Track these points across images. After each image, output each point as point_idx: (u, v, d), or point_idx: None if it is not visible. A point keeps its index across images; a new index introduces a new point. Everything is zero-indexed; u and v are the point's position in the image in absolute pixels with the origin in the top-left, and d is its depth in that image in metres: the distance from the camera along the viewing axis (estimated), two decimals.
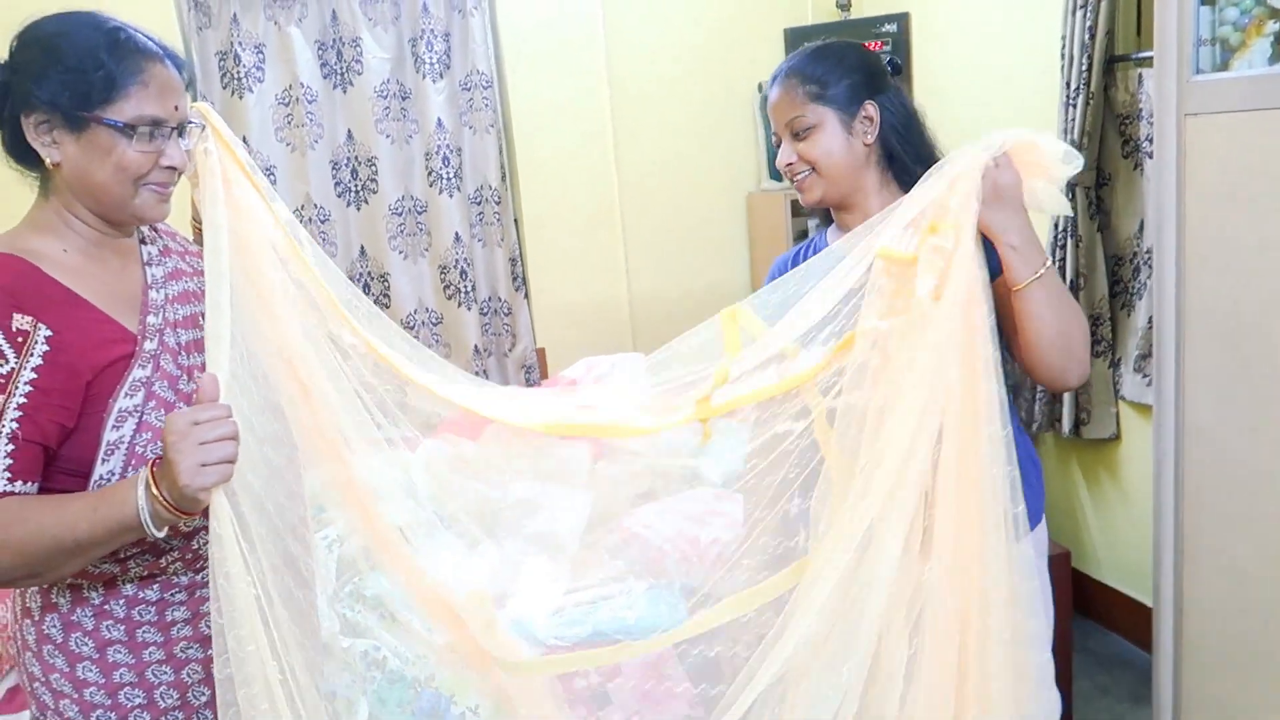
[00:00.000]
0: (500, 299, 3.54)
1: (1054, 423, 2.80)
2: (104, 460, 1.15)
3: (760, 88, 3.62)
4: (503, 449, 2.37)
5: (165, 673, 1.24)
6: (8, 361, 1.08)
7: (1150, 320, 2.55)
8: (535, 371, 3.57)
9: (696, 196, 3.68)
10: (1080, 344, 1.29)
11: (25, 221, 1.20)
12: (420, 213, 3.47)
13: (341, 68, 3.32)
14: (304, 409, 1.32)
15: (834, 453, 1.28)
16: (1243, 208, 1.65)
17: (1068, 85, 2.54)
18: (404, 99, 3.38)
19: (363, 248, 3.45)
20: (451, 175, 3.42)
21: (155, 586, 1.23)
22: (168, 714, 1.25)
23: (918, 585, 1.21)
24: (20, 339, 1.08)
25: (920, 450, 1.19)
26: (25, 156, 1.16)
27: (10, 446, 1.08)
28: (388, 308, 3.42)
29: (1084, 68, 2.48)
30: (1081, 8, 2.46)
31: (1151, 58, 2.36)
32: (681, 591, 2.02)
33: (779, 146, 1.50)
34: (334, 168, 3.37)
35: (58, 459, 1.14)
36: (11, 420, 1.08)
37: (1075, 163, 1.21)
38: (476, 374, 3.22)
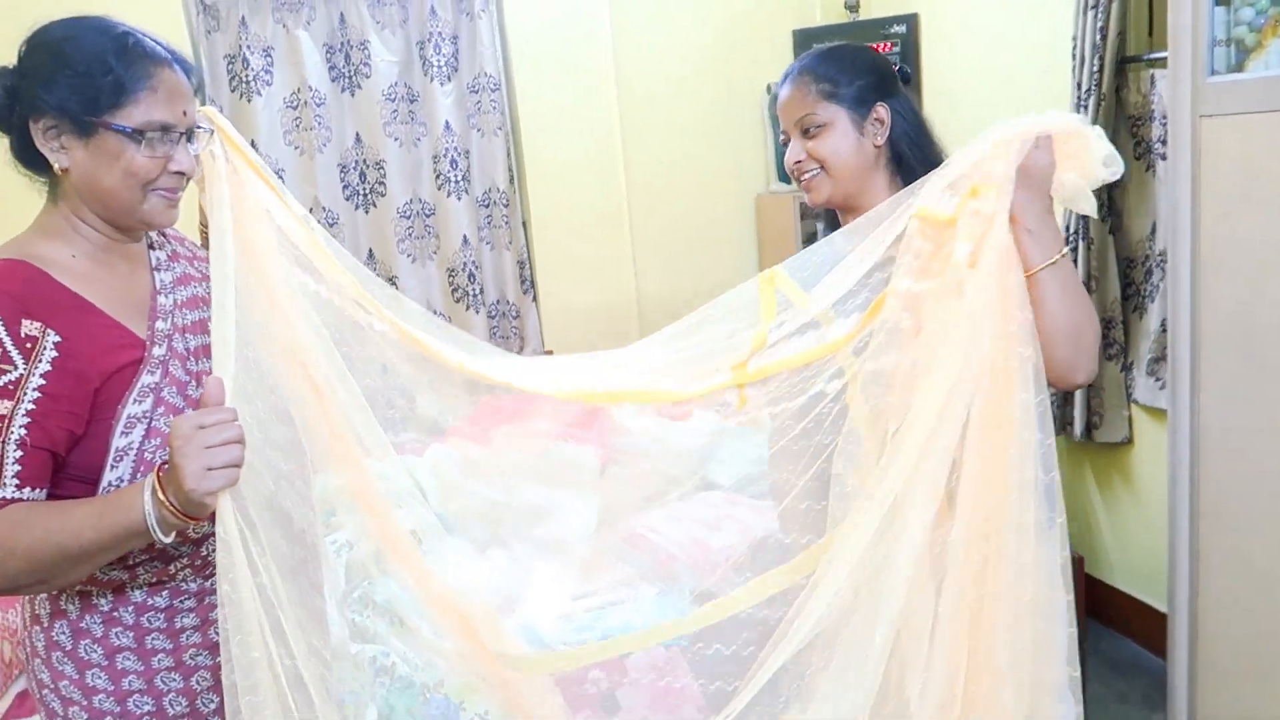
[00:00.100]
0: (509, 301, 3.54)
1: (1065, 426, 2.78)
2: (113, 466, 1.14)
3: (769, 89, 3.60)
4: (511, 453, 2.37)
5: (174, 680, 1.24)
6: (16, 368, 1.07)
7: (1163, 323, 2.53)
8: None
9: (705, 198, 3.67)
10: (1090, 339, 1.28)
11: (34, 227, 1.19)
12: (428, 215, 3.46)
13: (350, 71, 3.32)
14: (316, 411, 1.31)
15: (863, 416, 1.27)
16: (1258, 210, 1.64)
17: (1079, 86, 2.53)
18: (412, 102, 3.38)
19: (371, 251, 3.45)
20: (459, 178, 3.41)
21: (164, 593, 1.23)
22: None
23: (943, 547, 1.20)
24: (29, 345, 1.08)
25: (952, 415, 1.17)
26: (34, 162, 1.16)
27: (19, 453, 1.08)
28: None
29: (1095, 68, 2.47)
30: (1093, 8, 2.44)
31: (1163, 58, 2.35)
32: (692, 597, 2.01)
33: (787, 145, 1.50)
34: (342, 171, 3.37)
35: (66, 465, 1.13)
36: (20, 427, 1.07)
37: (1115, 169, 1.19)
38: None
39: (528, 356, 1.55)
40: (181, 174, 1.18)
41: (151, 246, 1.27)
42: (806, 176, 1.47)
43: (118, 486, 1.14)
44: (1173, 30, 1.70)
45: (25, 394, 1.07)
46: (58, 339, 1.10)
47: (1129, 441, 2.74)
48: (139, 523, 1.07)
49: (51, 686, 1.21)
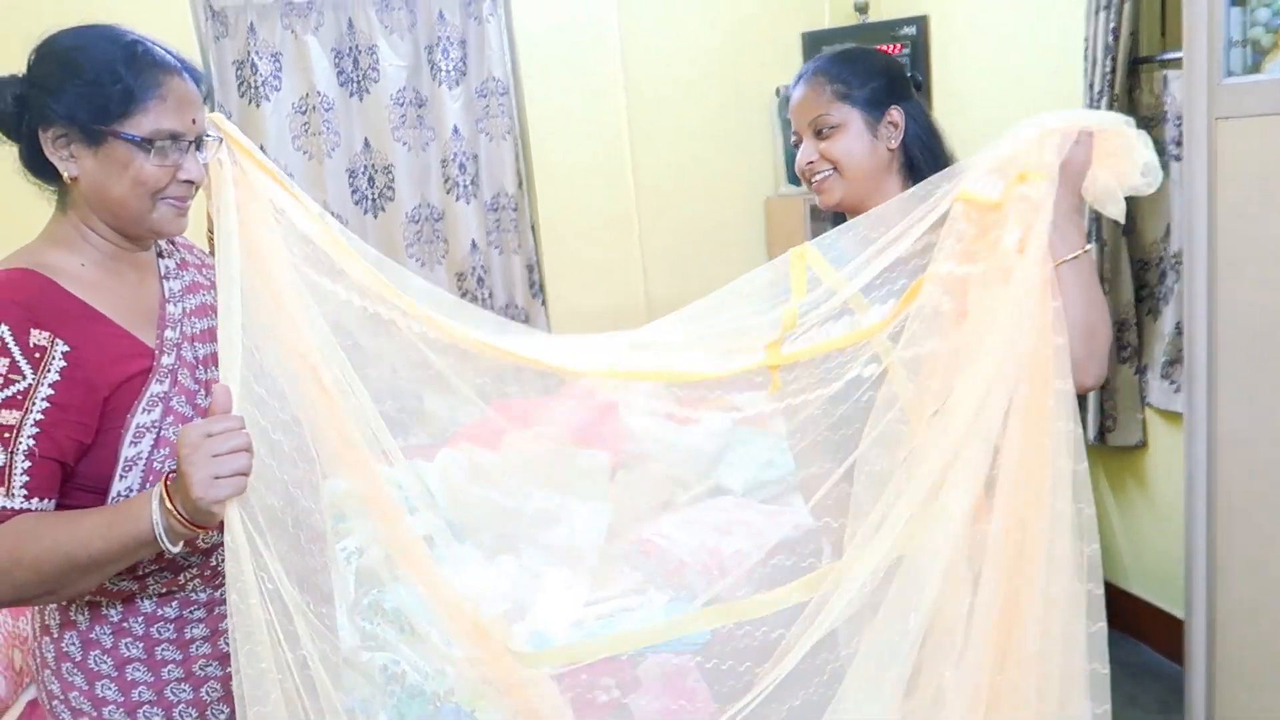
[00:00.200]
0: (517, 306, 3.53)
1: None
2: (121, 476, 1.14)
3: (778, 92, 3.59)
4: (520, 459, 2.36)
5: (184, 691, 1.23)
6: (25, 378, 1.07)
7: (1178, 326, 2.51)
8: (553, 378, 3.55)
9: (714, 201, 3.66)
10: (1103, 341, 1.27)
11: (43, 236, 1.19)
12: (437, 220, 3.46)
13: (358, 75, 3.32)
14: (325, 416, 1.30)
15: (906, 401, 1.25)
16: (1275, 212, 1.62)
17: (1091, 87, 2.51)
18: (420, 106, 3.38)
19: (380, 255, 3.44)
20: (468, 182, 3.41)
21: (174, 604, 1.22)
22: None
23: (982, 535, 1.19)
24: (38, 355, 1.07)
25: (995, 402, 1.17)
26: (43, 170, 1.15)
27: (27, 463, 1.07)
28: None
29: (1107, 70, 2.45)
30: (1105, 9, 2.42)
31: (1176, 59, 2.34)
32: (703, 605, 1.99)
33: (798, 147, 1.48)
34: (351, 175, 3.37)
35: (75, 475, 1.13)
36: (28, 437, 1.07)
37: (1152, 179, 1.18)
38: None
39: (559, 336, 1.51)
40: (190, 182, 1.17)
41: (160, 255, 1.27)
42: (818, 178, 1.46)
43: (126, 496, 1.14)
44: (1188, 31, 1.68)
45: (34, 404, 1.07)
46: (66, 348, 1.09)
47: (1143, 445, 2.72)
48: (147, 532, 1.07)
49: (61, 697, 1.21)
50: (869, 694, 1.19)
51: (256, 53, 3.18)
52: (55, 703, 1.22)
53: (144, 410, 1.15)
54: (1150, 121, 2.54)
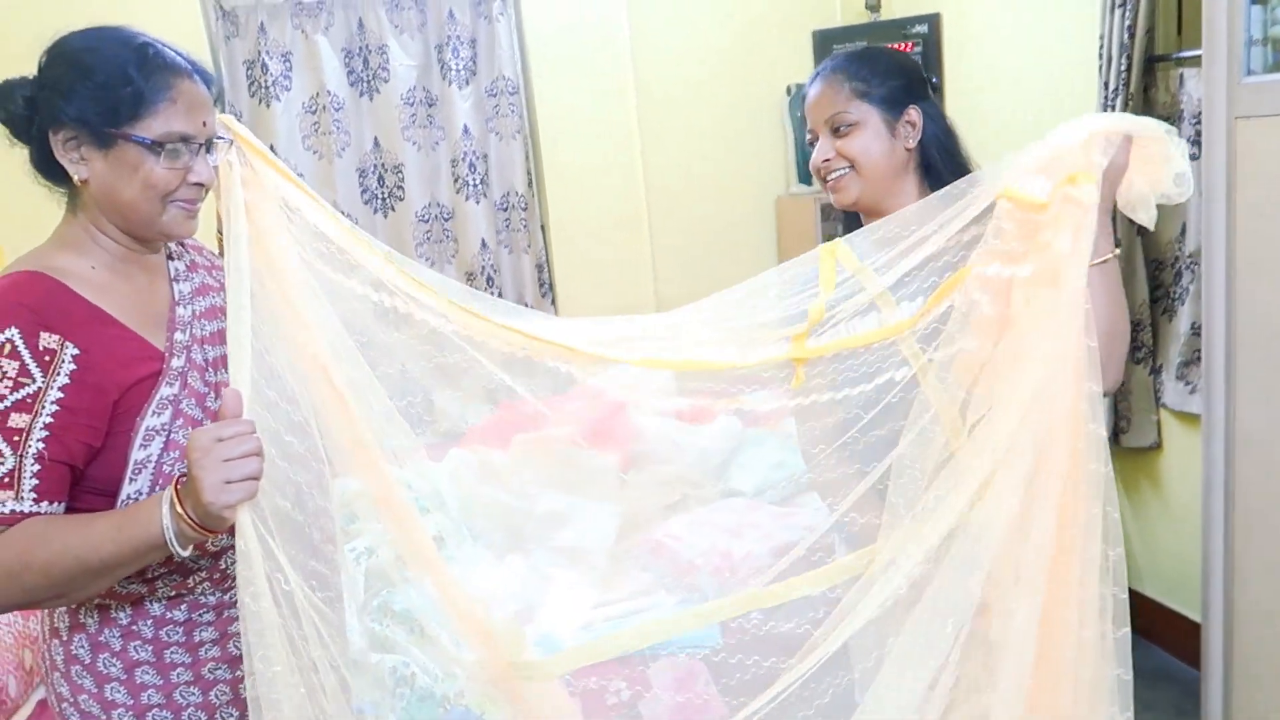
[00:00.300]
0: (527, 305, 3.52)
1: None
2: (131, 479, 1.13)
3: (788, 91, 3.57)
4: (530, 460, 2.36)
5: (193, 694, 1.23)
6: (34, 381, 1.06)
7: (1193, 326, 2.49)
8: (563, 377, 3.55)
9: (724, 201, 3.65)
10: (1121, 347, 1.27)
11: (53, 238, 1.19)
12: (447, 220, 3.46)
13: (368, 75, 3.31)
14: (337, 417, 1.29)
15: (940, 402, 1.24)
16: None
17: (1106, 86, 2.48)
18: (430, 106, 3.37)
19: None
20: (478, 182, 3.40)
21: (183, 607, 1.22)
22: None
23: (1025, 540, 1.18)
24: (47, 358, 1.07)
25: (1041, 406, 1.16)
26: (53, 173, 1.15)
27: (36, 467, 1.07)
28: None
29: (1123, 68, 2.42)
30: (1120, 6, 2.40)
31: (1193, 57, 2.31)
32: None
33: (813, 145, 1.47)
34: (361, 175, 3.37)
35: (85, 478, 1.13)
36: (38, 440, 1.06)
37: (1185, 189, 1.17)
38: None
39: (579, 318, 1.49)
40: (201, 185, 1.16)
41: (170, 257, 1.27)
42: (834, 176, 1.44)
43: (136, 499, 1.13)
44: (1208, 29, 1.66)
45: (43, 407, 1.06)
46: (76, 351, 1.09)
47: (1158, 446, 2.70)
48: (157, 536, 1.06)
49: (70, 700, 1.21)
50: (898, 698, 1.18)
51: (267, 52, 3.18)
52: (64, 705, 1.22)
53: (154, 413, 1.14)
54: (1167, 120, 2.50)
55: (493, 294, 3.45)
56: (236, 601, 1.20)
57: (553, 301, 3.53)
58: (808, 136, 1.48)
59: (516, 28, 3.37)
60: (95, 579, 1.09)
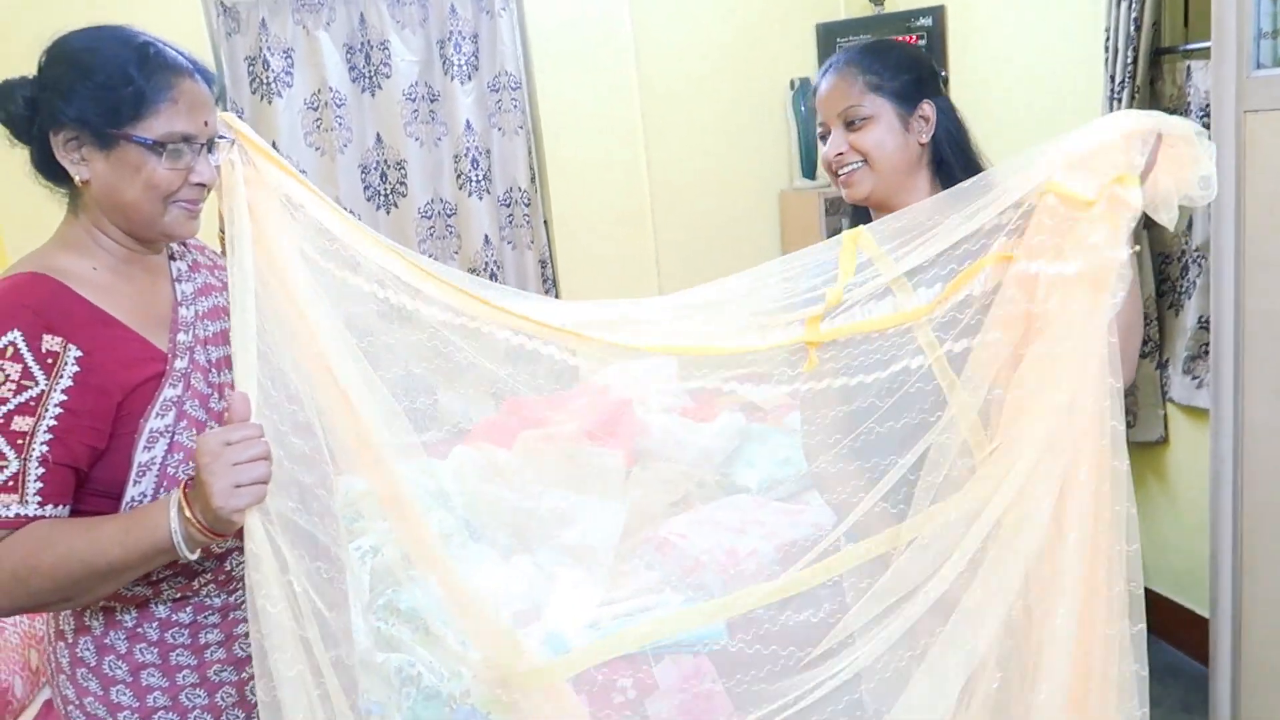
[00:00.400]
0: None
1: None
2: (135, 482, 1.13)
3: (792, 84, 3.56)
4: (535, 458, 2.35)
5: (199, 696, 1.22)
6: (38, 384, 1.06)
7: (1200, 320, 2.47)
8: (567, 374, 3.54)
9: (728, 196, 3.63)
10: (1135, 344, 1.27)
11: (54, 239, 1.18)
12: (450, 215, 3.45)
13: (370, 71, 3.30)
14: (343, 414, 1.29)
15: (966, 395, 1.24)
16: None
17: (1112, 79, 2.47)
18: (432, 101, 3.36)
19: None
20: (481, 177, 3.39)
21: (188, 609, 1.21)
22: None
23: (1060, 536, 1.18)
24: (50, 360, 1.06)
25: (1084, 404, 1.16)
26: (54, 173, 1.14)
27: (40, 470, 1.06)
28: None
29: (1129, 60, 2.41)
30: None
31: (1200, 49, 2.30)
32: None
33: (824, 139, 1.45)
34: (363, 171, 3.36)
35: (89, 481, 1.12)
36: (41, 443, 1.06)
37: (1209, 193, 1.17)
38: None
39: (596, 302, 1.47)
40: (203, 185, 1.16)
41: (172, 257, 1.26)
42: (846, 170, 1.42)
43: (140, 501, 1.13)
44: (1217, 22, 1.65)
45: (47, 410, 1.06)
46: (79, 354, 1.08)
47: (1164, 441, 2.69)
48: (165, 540, 1.06)
49: (77, 702, 1.20)
50: (934, 697, 1.18)
51: (268, 49, 3.17)
52: (70, 708, 1.21)
53: (157, 415, 1.14)
54: (1173, 113, 2.49)
55: None
56: (242, 603, 1.21)
57: (556, 297, 3.52)
58: (818, 130, 1.46)
59: (518, 22, 3.35)
60: (102, 582, 1.08)
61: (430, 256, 3.44)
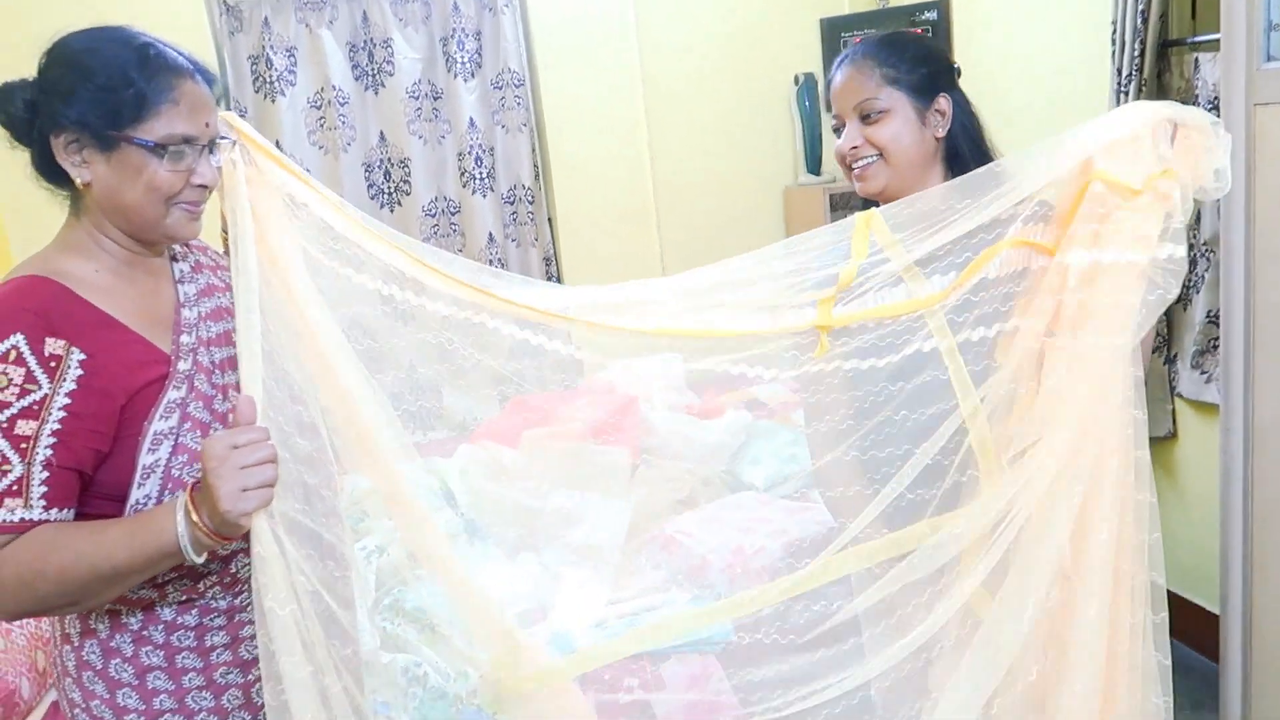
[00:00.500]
0: None
1: None
2: (140, 484, 1.12)
3: (797, 80, 3.54)
4: (541, 457, 2.35)
5: (205, 698, 1.22)
6: (41, 387, 1.05)
7: (1209, 314, 2.46)
8: (573, 372, 3.54)
9: (732, 192, 3.62)
10: (1149, 336, 1.25)
11: (56, 242, 1.17)
12: (454, 213, 3.44)
13: (373, 69, 3.30)
14: (347, 413, 1.28)
15: (964, 385, 1.24)
16: None
17: (1119, 72, 2.45)
18: (436, 99, 3.36)
19: None
20: (484, 175, 3.39)
21: (194, 611, 1.21)
22: None
23: (1094, 539, 1.18)
24: (53, 364, 1.06)
25: (1114, 394, 1.16)
26: (55, 176, 1.14)
27: (45, 474, 1.06)
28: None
29: (1136, 53, 2.39)
30: None
31: (1208, 41, 2.28)
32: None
33: (838, 132, 1.43)
34: (367, 170, 3.36)
35: (93, 483, 1.12)
36: (45, 447, 1.05)
37: (1222, 185, 1.16)
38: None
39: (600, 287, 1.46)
40: (204, 187, 1.15)
41: (174, 259, 1.25)
42: (861, 164, 1.40)
43: (145, 504, 1.12)
44: (1226, 15, 1.63)
45: (50, 414, 1.05)
46: (82, 356, 1.08)
47: (1173, 436, 2.67)
48: (171, 544, 1.06)
49: (83, 706, 1.20)
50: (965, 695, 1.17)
51: (271, 48, 3.16)
52: (77, 711, 1.21)
53: (161, 417, 1.13)
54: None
55: None
56: (247, 605, 1.20)
57: None
58: (832, 123, 1.44)
59: (521, 19, 3.35)
60: (108, 586, 1.08)
61: None
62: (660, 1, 3.45)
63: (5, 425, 1.04)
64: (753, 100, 3.58)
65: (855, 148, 1.39)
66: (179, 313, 1.20)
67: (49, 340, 1.06)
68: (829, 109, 1.45)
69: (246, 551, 1.12)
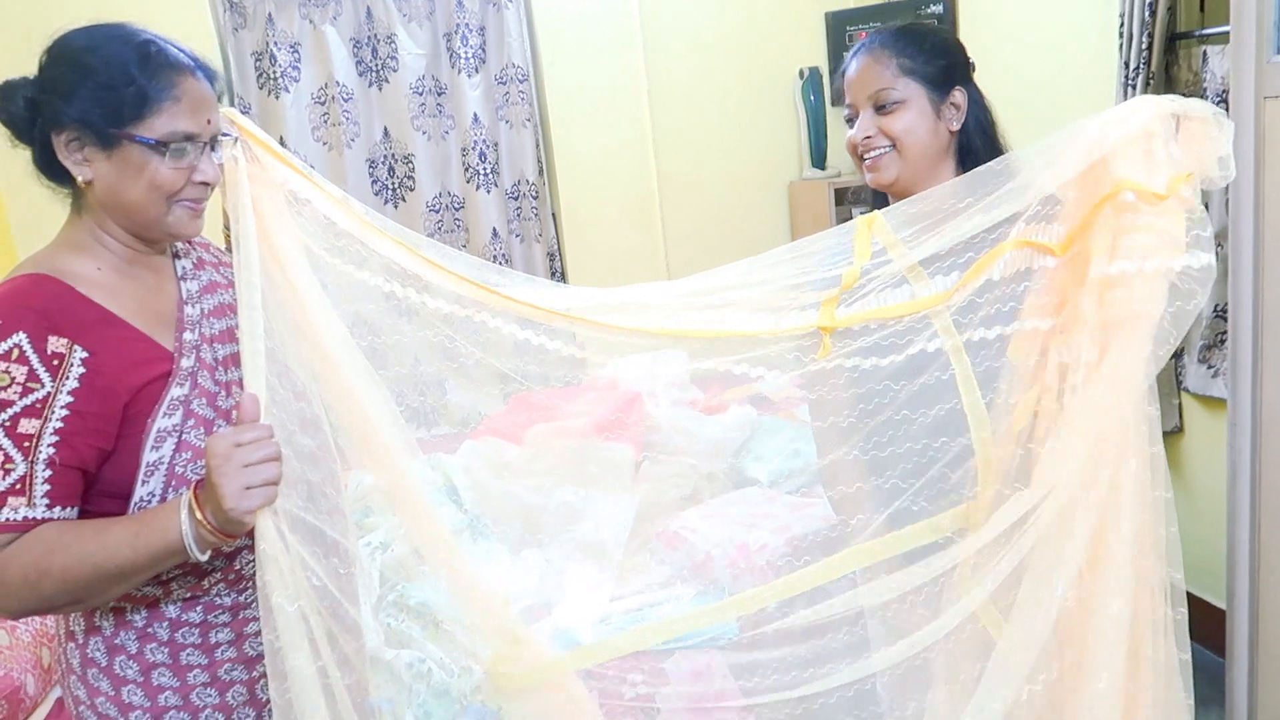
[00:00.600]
0: None
1: None
2: (144, 482, 1.12)
3: (801, 74, 3.53)
4: (545, 453, 2.34)
5: (210, 695, 1.22)
6: (44, 386, 1.05)
7: (1216, 308, 2.44)
8: (576, 368, 3.53)
9: (737, 187, 3.61)
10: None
11: (58, 240, 1.17)
12: (458, 209, 3.44)
13: (377, 65, 3.29)
14: (351, 410, 1.28)
15: (970, 386, 1.23)
16: None
17: (1126, 65, 2.44)
18: (440, 94, 3.35)
19: None
20: (489, 170, 3.38)
21: (198, 608, 1.21)
22: None
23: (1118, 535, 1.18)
24: (56, 362, 1.06)
25: (1133, 392, 1.15)
26: (57, 174, 1.13)
27: (48, 472, 1.06)
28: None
29: (1144, 46, 2.38)
30: None
31: (1217, 34, 2.26)
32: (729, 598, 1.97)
33: (851, 122, 1.41)
34: (371, 166, 3.35)
35: (97, 481, 1.12)
36: (48, 446, 1.05)
37: (1226, 173, 1.15)
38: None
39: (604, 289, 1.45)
40: (206, 184, 1.15)
41: (176, 256, 1.25)
42: (874, 155, 1.39)
43: (149, 501, 1.13)
44: (1235, 7, 1.61)
45: (53, 412, 1.05)
46: (85, 355, 1.07)
47: (1179, 430, 2.66)
48: (175, 542, 1.06)
49: (88, 703, 1.20)
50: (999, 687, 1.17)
51: (275, 44, 3.16)
52: (82, 708, 1.21)
53: (164, 414, 1.13)
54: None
55: None
56: (252, 602, 1.21)
57: None
58: (845, 113, 1.43)
59: (525, 14, 3.34)
60: (113, 584, 1.08)
61: None
62: None
63: (8, 424, 1.04)
64: (757, 94, 3.57)
65: (869, 138, 1.38)
66: (182, 309, 1.20)
67: (51, 339, 1.06)
68: (842, 99, 1.44)
69: (251, 549, 1.12)
